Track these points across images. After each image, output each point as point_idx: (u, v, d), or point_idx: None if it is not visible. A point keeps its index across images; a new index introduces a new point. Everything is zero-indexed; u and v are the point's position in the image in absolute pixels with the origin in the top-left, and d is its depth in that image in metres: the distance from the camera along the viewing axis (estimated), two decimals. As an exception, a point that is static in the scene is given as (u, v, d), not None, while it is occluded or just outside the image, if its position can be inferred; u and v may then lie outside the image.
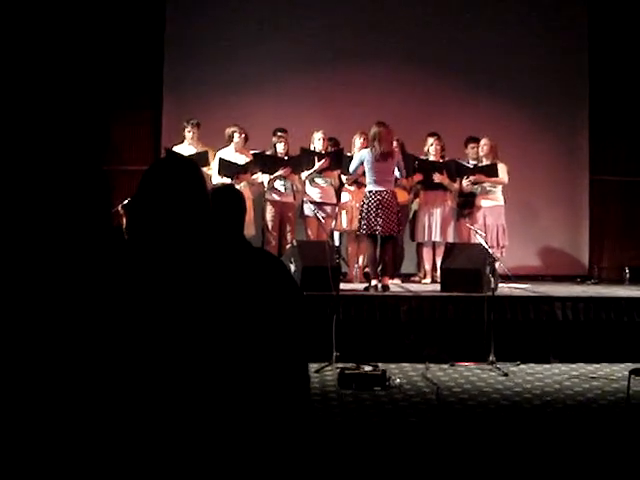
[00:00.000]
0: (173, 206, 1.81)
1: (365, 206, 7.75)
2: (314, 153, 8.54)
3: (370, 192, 7.75)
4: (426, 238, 8.82)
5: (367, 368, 6.15)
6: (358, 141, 8.68)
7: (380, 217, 7.65)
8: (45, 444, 1.70)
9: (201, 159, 8.02)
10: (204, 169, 7.84)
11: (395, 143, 8.45)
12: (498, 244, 8.56)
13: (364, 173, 7.90)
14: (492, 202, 8.72)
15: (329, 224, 8.53)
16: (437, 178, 8.67)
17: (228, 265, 1.82)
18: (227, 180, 8.17)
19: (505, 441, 4.67)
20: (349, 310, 7.02)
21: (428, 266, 8.92)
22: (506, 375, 6.44)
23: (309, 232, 8.64)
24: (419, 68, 10.01)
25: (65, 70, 9.30)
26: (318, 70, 9.92)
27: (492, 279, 6.93)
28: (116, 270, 1.77)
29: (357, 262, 8.88)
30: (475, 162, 8.89)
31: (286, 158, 8.54)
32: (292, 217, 8.68)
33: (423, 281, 8.89)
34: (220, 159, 8.31)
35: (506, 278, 7.92)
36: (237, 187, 8.17)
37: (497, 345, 6.71)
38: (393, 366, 6.64)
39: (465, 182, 8.74)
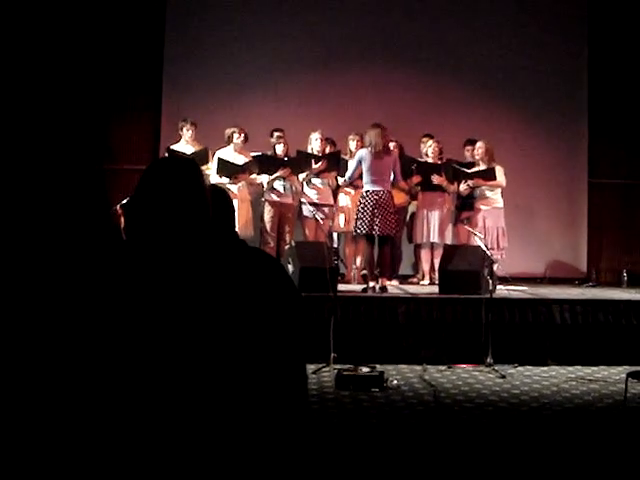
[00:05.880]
0: (172, 206, 1.80)
1: (362, 206, 7.71)
2: (311, 155, 8.52)
3: (367, 192, 7.71)
4: (424, 239, 8.81)
5: (365, 369, 6.13)
6: (352, 143, 8.66)
7: (377, 217, 7.62)
8: (44, 443, 1.69)
9: (200, 158, 8.00)
10: (202, 168, 7.81)
11: (394, 144, 8.45)
12: (498, 246, 8.54)
13: (361, 175, 7.87)
14: (491, 205, 8.70)
15: (327, 225, 8.52)
16: (436, 180, 8.66)
17: (226, 266, 1.81)
18: (225, 180, 8.16)
19: (502, 443, 4.67)
20: (347, 311, 7.01)
21: (426, 267, 8.93)
22: (504, 377, 6.44)
23: (307, 233, 8.63)
24: (417, 70, 10.02)
25: (65, 70, 9.30)
26: (316, 71, 9.92)
27: (490, 281, 6.93)
28: (114, 270, 1.76)
29: (355, 263, 8.87)
30: (473, 163, 8.88)
31: (285, 159, 8.52)
32: (291, 218, 8.65)
33: (421, 282, 8.90)
34: (219, 159, 8.28)
35: (504, 280, 7.92)
36: (235, 187, 8.22)
37: (495, 347, 6.71)
38: (391, 367, 6.64)
39: (463, 186, 8.72)
